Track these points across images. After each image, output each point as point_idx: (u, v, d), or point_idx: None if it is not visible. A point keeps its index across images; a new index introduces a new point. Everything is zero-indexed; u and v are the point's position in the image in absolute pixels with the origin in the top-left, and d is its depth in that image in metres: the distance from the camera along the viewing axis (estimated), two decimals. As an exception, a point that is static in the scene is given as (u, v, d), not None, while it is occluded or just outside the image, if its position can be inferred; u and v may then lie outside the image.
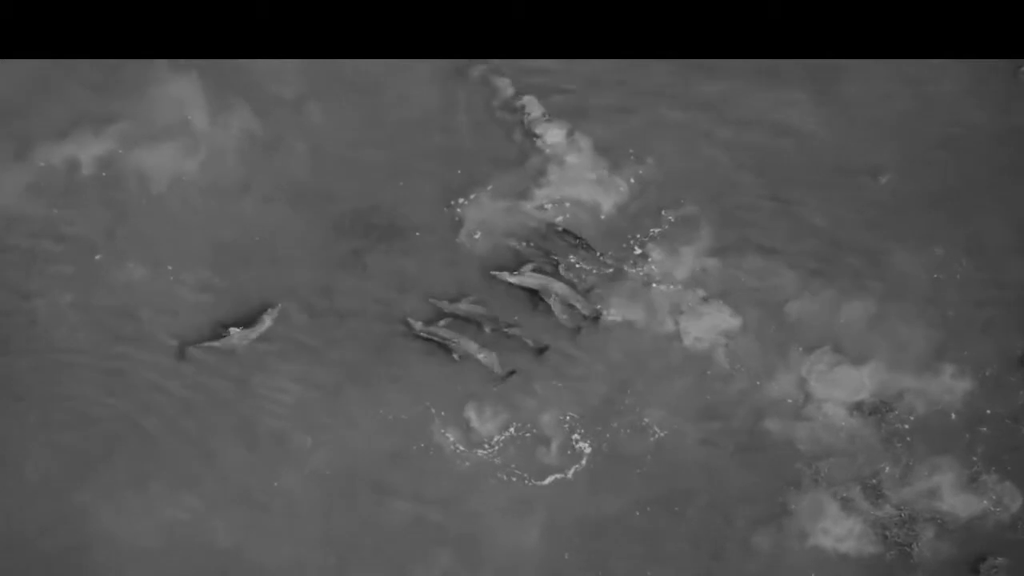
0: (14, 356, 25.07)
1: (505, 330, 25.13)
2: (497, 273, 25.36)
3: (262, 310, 25.13)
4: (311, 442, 24.74)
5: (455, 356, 25.05)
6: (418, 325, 25.10)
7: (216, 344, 24.93)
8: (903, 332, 25.30)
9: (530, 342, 25.16)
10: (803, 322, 25.37)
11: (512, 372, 25.03)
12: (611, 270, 25.59)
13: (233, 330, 24.94)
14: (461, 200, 25.95)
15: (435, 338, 25.01)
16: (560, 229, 25.67)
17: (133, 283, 25.42)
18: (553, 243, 25.64)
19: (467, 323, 25.20)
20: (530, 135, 26.19)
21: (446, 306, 25.18)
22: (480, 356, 24.92)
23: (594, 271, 25.59)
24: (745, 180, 26.14)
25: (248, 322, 25.05)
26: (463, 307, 25.18)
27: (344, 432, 24.83)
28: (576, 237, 25.59)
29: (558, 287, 25.23)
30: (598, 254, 25.61)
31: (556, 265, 25.45)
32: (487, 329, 25.15)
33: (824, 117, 26.44)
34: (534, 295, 25.33)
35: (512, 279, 25.28)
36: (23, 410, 24.84)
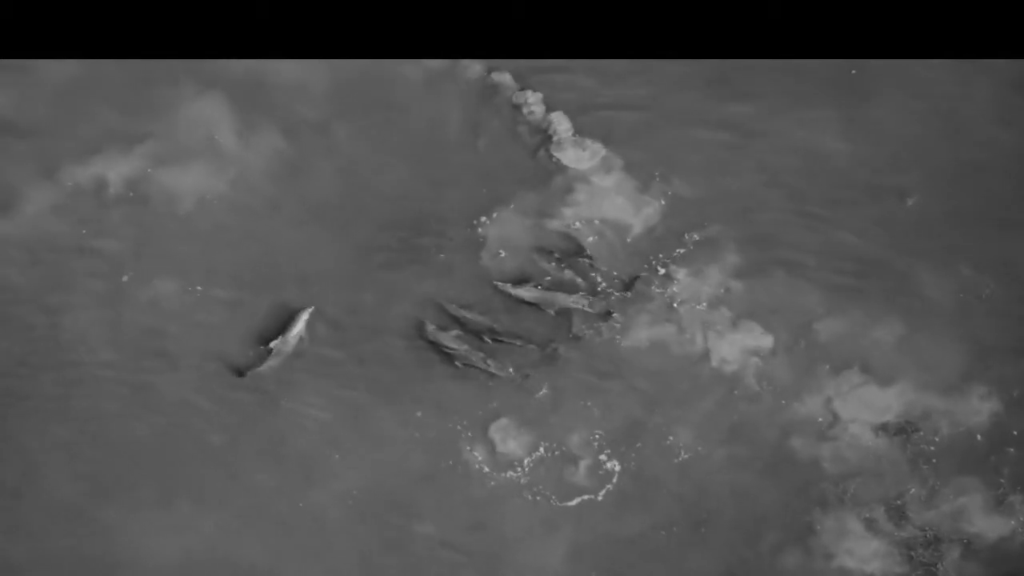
0: (40, 373, 25.17)
1: (505, 341, 25.18)
2: (500, 284, 25.47)
3: (293, 316, 25.26)
4: (338, 461, 24.75)
5: (457, 364, 25.10)
6: (431, 328, 25.17)
7: (267, 366, 25.00)
8: (930, 352, 25.22)
9: (533, 347, 25.19)
10: (831, 342, 25.32)
11: (527, 375, 25.06)
12: (629, 292, 25.60)
13: (273, 343, 25.03)
14: (483, 219, 26.01)
15: (441, 345, 25.08)
16: (576, 247, 25.78)
17: (161, 302, 25.53)
18: (573, 261, 25.71)
19: (474, 333, 25.24)
20: (557, 153, 26.28)
21: (454, 310, 25.27)
22: (484, 365, 24.98)
23: (615, 293, 25.63)
24: (772, 200, 26.16)
25: (282, 329, 25.18)
26: (470, 315, 25.27)
27: (371, 451, 24.83)
28: (586, 256, 25.68)
29: (561, 299, 25.30)
30: (614, 274, 25.65)
31: (562, 270, 25.55)
32: (487, 339, 25.19)
33: (851, 137, 26.46)
34: (537, 307, 25.45)
35: (512, 292, 25.37)
36: (47, 427, 24.89)
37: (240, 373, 25.07)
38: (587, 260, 25.70)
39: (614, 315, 25.41)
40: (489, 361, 25.04)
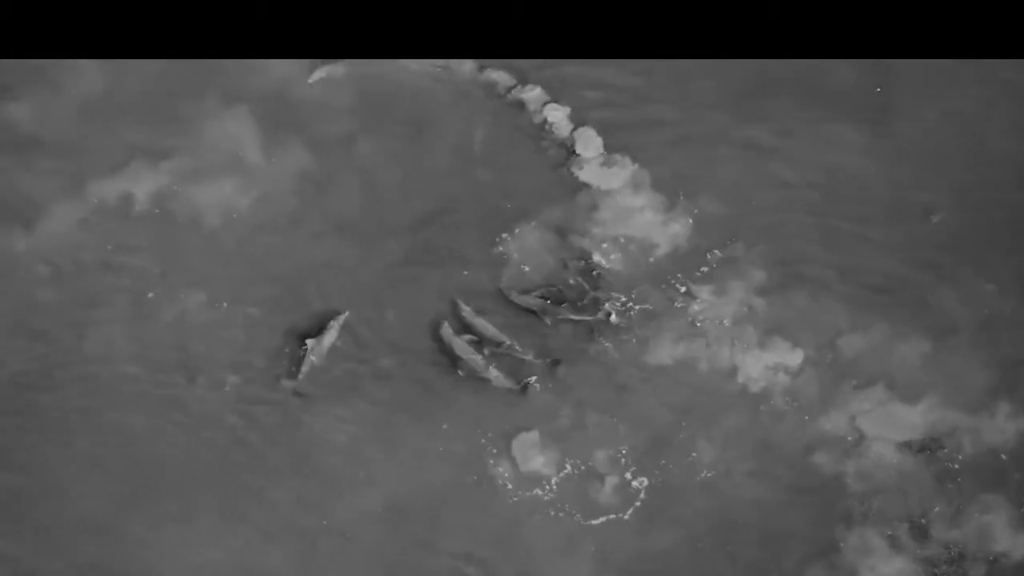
0: (65, 387, 25.18)
1: (506, 352, 25.21)
2: (504, 290, 25.52)
3: (327, 319, 25.32)
4: (363, 476, 24.70)
5: (460, 373, 25.12)
6: (446, 332, 25.20)
7: (306, 369, 25.03)
8: (955, 369, 25.19)
9: (529, 358, 25.17)
10: (855, 359, 25.29)
11: (526, 385, 25.01)
12: (645, 306, 25.62)
13: (309, 341, 25.11)
14: (504, 236, 26.09)
15: (451, 348, 25.13)
16: (591, 261, 25.82)
17: (186, 317, 25.59)
18: (587, 274, 25.76)
19: (480, 341, 25.30)
20: (579, 171, 26.37)
21: (468, 314, 25.38)
22: (485, 374, 24.96)
23: (632, 305, 25.68)
24: (796, 217, 26.26)
25: (315, 332, 25.26)
26: (478, 321, 25.29)
27: (396, 465, 24.75)
28: (598, 268, 25.70)
29: (555, 310, 25.32)
30: (632, 293, 25.67)
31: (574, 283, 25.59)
32: (485, 350, 25.22)
33: (875, 154, 26.63)
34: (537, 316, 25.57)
35: (516, 299, 25.46)
36: (72, 443, 24.87)
37: (298, 393, 25.10)
38: (599, 272, 25.73)
39: (612, 318, 25.35)
40: (490, 371, 25.02)
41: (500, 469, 24.70)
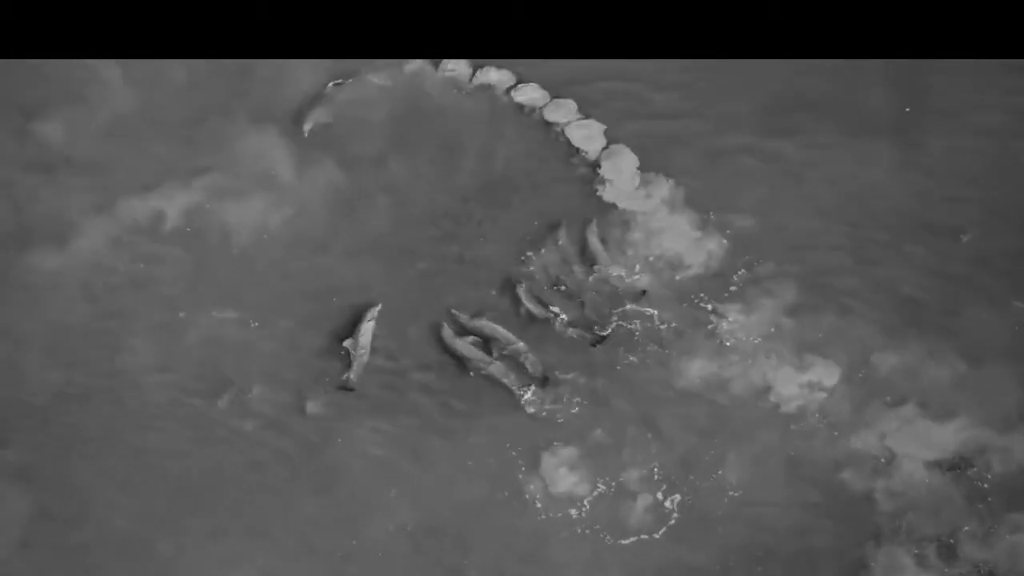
0: (96, 408, 25.25)
1: (512, 355, 25.21)
2: (516, 282, 25.64)
3: (359, 315, 25.40)
4: (393, 494, 24.69)
5: (471, 373, 25.13)
6: (447, 334, 25.24)
7: (352, 373, 25.10)
8: (986, 388, 25.16)
9: (529, 368, 25.18)
10: (886, 378, 25.28)
11: (523, 394, 24.99)
12: (672, 324, 25.62)
13: (347, 342, 25.17)
14: (530, 254, 26.14)
15: (455, 351, 25.15)
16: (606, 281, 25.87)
17: (217, 336, 25.64)
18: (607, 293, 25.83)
19: (486, 345, 25.36)
20: (602, 190, 26.45)
21: (466, 320, 25.34)
22: (491, 369, 25.01)
23: (663, 325, 25.71)
24: (826, 236, 26.29)
25: (351, 331, 25.34)
26: (482, 324, 25.29)
27: (426, 482, 24.76)
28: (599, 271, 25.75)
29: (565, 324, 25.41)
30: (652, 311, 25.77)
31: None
32: (493, 353, 25.23)
33: (907, 174, 26.62)
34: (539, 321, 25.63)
35: (522, 295, 25.54)
36: (103, 462, 24.92)
37: (347, 388, 25.11)
38: (621, 289, 25.78)
39: (609, 332, 25.35)
40: (495, 367, 25.01)
41: (531, 487, 24.69)
